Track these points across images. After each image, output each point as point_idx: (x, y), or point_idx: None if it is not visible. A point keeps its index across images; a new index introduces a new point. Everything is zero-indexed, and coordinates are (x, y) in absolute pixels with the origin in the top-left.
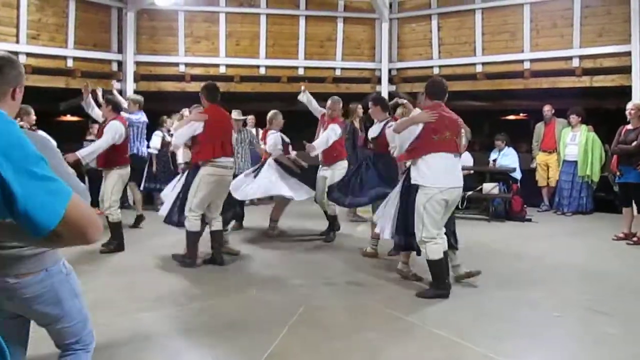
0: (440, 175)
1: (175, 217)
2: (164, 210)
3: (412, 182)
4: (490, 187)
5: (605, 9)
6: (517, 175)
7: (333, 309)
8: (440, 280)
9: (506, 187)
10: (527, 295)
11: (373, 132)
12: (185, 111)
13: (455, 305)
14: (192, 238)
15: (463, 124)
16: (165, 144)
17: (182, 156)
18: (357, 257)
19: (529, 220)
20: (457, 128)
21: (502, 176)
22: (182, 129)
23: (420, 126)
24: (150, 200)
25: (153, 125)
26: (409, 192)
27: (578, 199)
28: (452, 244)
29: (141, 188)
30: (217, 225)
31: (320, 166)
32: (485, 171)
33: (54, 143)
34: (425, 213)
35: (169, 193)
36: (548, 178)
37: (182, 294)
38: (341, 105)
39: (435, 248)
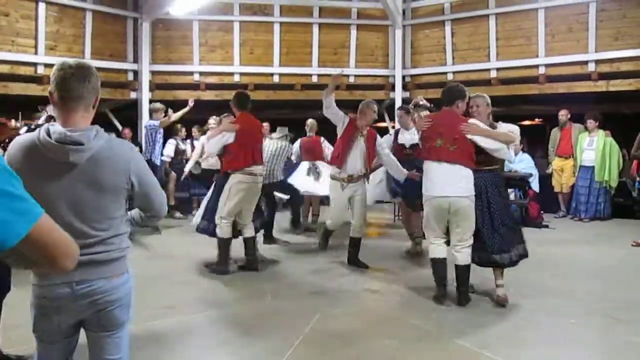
0: (428, 183)
1: (206, 225)
2: (196, 219)
3: None
4: None
5: (621, 13)
6: (535, 182)
7: (349, 316)
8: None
9: (522, 193)
10: (545, 303)
11: (411, 139)
12: (212, 120)
13: (473, 313)
14: (223, 245)
15: (482, 130)
16: (179, 153)
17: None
18: (372, 265)
19: (546, 226)
20: (453, 135)
21: (518, 182)
22: (214, 138)
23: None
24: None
25: (168, 133)
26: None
27: (595, 204)
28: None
29: None
30: (249, 232)
31: (358, 183)
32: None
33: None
34: (425, 218)
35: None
36: (562, 183)
37: (197, 302)
38: None
39: (431, 248)
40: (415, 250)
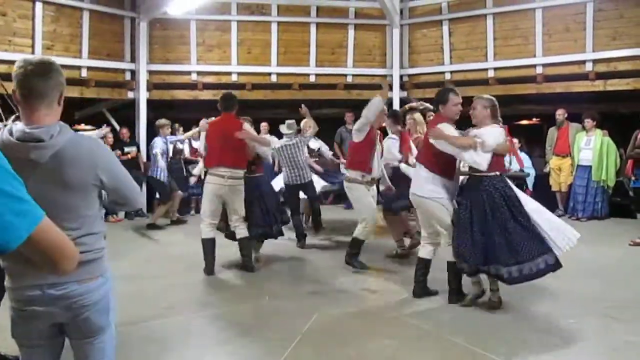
0: None
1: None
2: None
3: None
4: None
5: (618, 13)
6: (529, 181)
7: (347, 316)
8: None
9: None
10: (544, 303)
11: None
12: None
13: (471, 313)
14: (203, 245)
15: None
16: (177, 152)
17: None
18: (370, 265)
19: None
20: (426, 138)
21: (515, 181)
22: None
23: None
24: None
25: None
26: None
27: (593, 204)
28: None
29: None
30: (240, 232)
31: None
32: None
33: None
34: None
35: None
36: (560, 183)
37: (195, 302)
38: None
39: (420, 248)
40: (398, 252)
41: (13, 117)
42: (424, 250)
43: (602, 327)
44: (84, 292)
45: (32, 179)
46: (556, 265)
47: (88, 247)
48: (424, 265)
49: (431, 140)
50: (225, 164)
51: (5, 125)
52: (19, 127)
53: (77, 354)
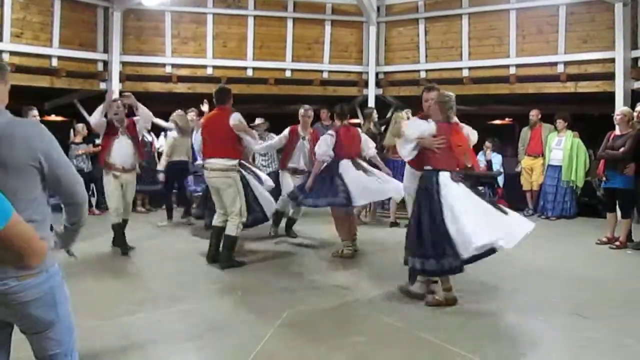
0: None
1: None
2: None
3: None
4: None
5: (590, 16)
6: (500, 180)
7: (318, 312)
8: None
9: (491, 191)
10: (512, 300)
11: None
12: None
13: (441, 310)
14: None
15: None
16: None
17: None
18: (342, 261)
19: None
20: None
21: (487, 180)
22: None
23: None
24: (134, 202)
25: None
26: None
27: (562, 203)
28: None
29: None
30: (228, 228)
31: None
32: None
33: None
34: None
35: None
36: (532, 182)
37: (167, 297)
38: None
39: None
40: (344, 253)
41: None
42: None
43: (569, 325)
44: (23, 289)
45: None
46: (453, 270)
47: None
48: None
49: None
50: (215, 155)
51: None
52: None
53: (33, 345)
